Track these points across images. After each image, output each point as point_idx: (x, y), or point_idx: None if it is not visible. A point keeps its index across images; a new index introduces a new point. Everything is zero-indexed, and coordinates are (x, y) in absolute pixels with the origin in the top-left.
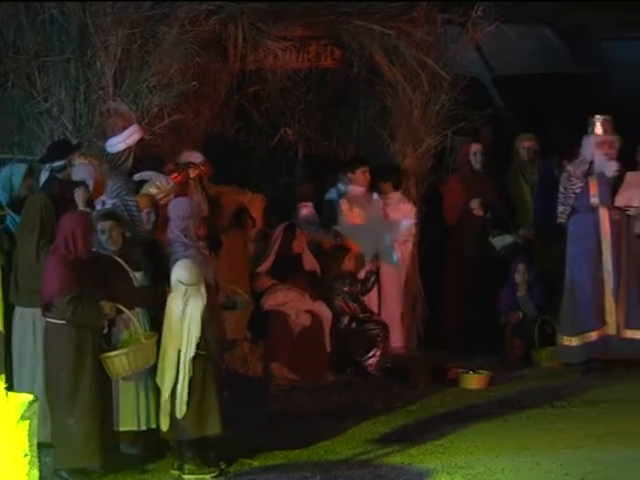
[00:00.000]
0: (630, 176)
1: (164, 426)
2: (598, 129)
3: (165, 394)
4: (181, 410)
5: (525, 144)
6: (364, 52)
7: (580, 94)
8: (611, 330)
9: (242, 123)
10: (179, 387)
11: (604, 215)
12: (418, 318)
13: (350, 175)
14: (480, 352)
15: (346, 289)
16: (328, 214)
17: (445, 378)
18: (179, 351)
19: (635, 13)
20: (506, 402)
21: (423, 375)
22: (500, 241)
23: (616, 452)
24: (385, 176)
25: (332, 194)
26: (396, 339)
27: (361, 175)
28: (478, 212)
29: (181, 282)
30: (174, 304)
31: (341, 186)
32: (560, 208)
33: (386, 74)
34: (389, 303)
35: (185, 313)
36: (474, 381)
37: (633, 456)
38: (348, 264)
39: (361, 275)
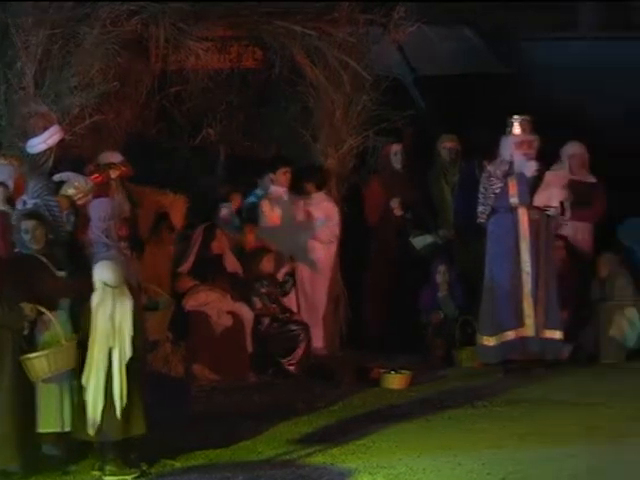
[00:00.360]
0: (549, 176)
1: (91, 429)
2: (517, 129)
3: (90, 395)
4: (118, 410)
5: (446, 145)
6: (286, 52)
7: (501, 94)
8: (529, 331)
9: (164, 123)
10: (116, 388)
11: (523, 215)
12: (340, 318)
13: (271, 176)
14: (402, 352)
15: (264, 290)
16: (249, 218)
17: (367, 378)
18: (109, 352)
19: (554, 13)
20: (428, 402)
21: (345, 375)
22: (420, 241)
23: (537, 451)
24: (308, 176)
25: (251, 198)
26: (318, 339)
27: (282, 176)
28: (398, 212)
29: (105, 283)
30: (99, 305)
31: (259, 191)
32: (480, 208)
33: (308, 75)
34: (311, 303)
35: (114, 314)
36: (396, 381)
37: (553, 455)
38: (267, 265)
39: (280, 276)
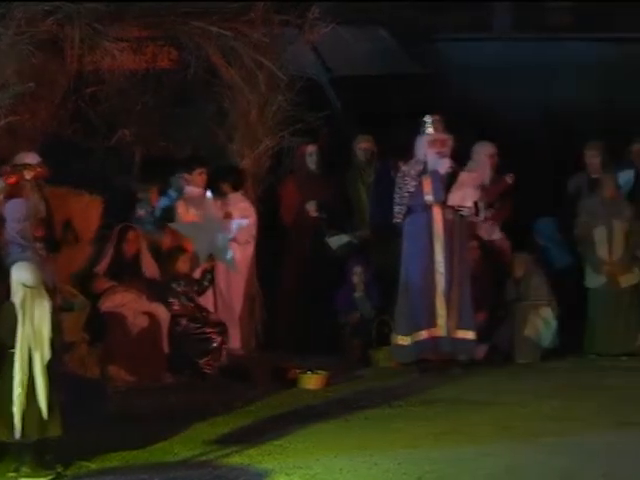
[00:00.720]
0: (463, 176)
1: (11, 431)
2: (430, 129)
3: (10, 396)
4: (44, 411)
5: (362, 145)
6: (201, 53)
7: (417, 95)
8: (441, 331)
9: (79, 124)
10: (38, 390)
11: (437, 215)
12: (257, 318)
13: (187, 176)
14: (318, 352)
15: (180, 290)
16: (164, 219)
17: (284, 378)
18: (29, 354)
19: (469, 14)
20: (344, 402)
21: (262, 376)
22: (337, 241)
23: (453, 450)
24: (224, 177)
25: (165, 201)
26: (234, 340)
27: (198, 176)
28: (313, 213)
29: (24, 284)
30: (19, 306)
31: (172, 193)
32: (396, 208)
33: (223, 75)
34: (227, 304)
35: (33, 315)
36: (312, 381)
37: (469, 454)
38: (183, 265)
39: (197, 275)
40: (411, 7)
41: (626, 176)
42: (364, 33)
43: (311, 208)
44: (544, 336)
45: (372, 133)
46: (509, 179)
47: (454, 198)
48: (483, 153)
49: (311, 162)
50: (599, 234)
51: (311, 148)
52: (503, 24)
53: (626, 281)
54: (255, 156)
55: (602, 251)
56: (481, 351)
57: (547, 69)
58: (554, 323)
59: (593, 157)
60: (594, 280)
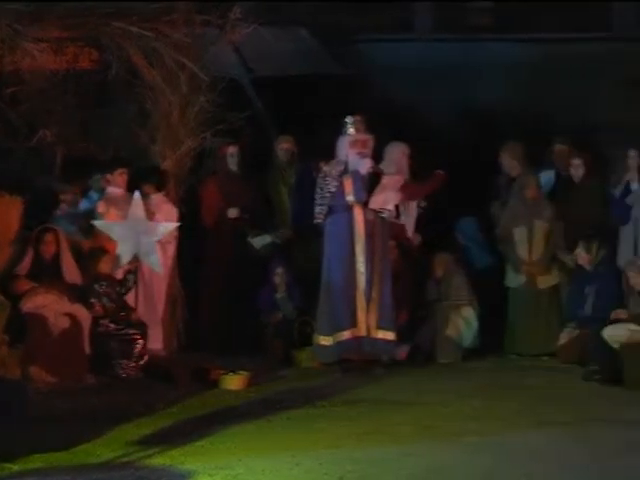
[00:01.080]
0: (385, 179)
1: None
2: (351, 129)
3: None
4: None
5: (283, 146)
6: (122, 53)
7: (339, 95)
8: (362, 331)
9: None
10: None
11: (359, 215)
12: (178, 319)
13: (108, 177)
14: (241, 353)
15: (102, 291)
16: (83, 224)
17: (206, 379)
18: None
19: (391, 15)
20: (267, 402)
21: (184, 376)
22: (259, 241)
23: (375, 450)
24: (146, 178)
25: (85, 202)
26: (156, 340)
27: (119, 177)
28: (233, 214)
29: None
30: None
31: (93, 193)
32: (317, 209)
33: (145, 76)
34: (149, 304)
35: None
36: (235, 382)
37: (391, 454)
38: (104, 266)
39: (119, 276)
40: (333, 8)
41: (547, 176)
42: (285, 34)
43: (233, 215)
44: (465, 336)
45: (293, 134)
46: (440, 175)
47: (376, 201)
48: (396, 153)
49: (232, 163)
50: (519, 234)
51: (232, 149)
52: (424, 25)
53: (545, 282)
54: (177, 157)
55: (522, 251)
56: (403, 351)
57: (468, 69)
58: (475, 323)
59: (509, 157)
60: (514, 280)
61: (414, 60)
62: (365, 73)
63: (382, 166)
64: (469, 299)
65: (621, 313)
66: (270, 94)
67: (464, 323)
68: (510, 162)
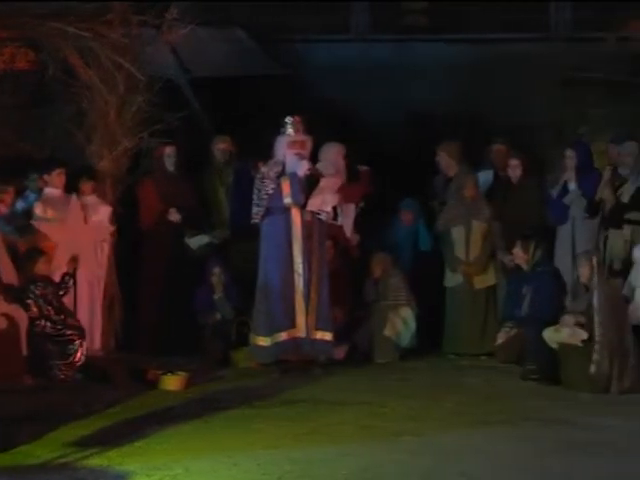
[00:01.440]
0: (323, 182)
1: None
2: (290, 130)
3: None
4: None
5: (220, 146)
6: (59, 54)
7: (276, 96)
8: (301, 332)
9: None
10: None
11: (296, 216)
12: (116, 319)
13: (46, 177)
14: (179, 353)
15: (39, 292)
16: (20, 224)
17: (144, 380)
18: None
19: (327, 15)
20: (205, 403)
21: (122, 377)
22: (197, 241)
23: (313, 451)
24: (82, 178)
25: (22, 203)
26: (94, 341)
27: (57, 177)
28: (174, 218)
29: None
30: None
31: (30, 194)
32: (254, 209)
33: (82, 76)
34: (87, 305)
35: None
36: (173, 382)
37: (329, 454)
38: (42, 267)
39: (56, 277)
40: (269, 8)
41: (485, 176)
42: (222, 34)
43: (173, 215)
44: (403, 336)
45: (231, 134)
46: (365, 171)
47: (314, 203)
48: (332, 153)
49: (169, 163)
50: (457, 234)
51: (169, 149)
52: (361, 25)
53: (481, 282)
54: (114, 157)
55: (460, 251)
56: (341, 351)
57: (405, 70)
58: (413, 323)
59: (447, 157)
60: (452, 280)
61: (351, 60)
62: (302, 73)
63: (319, 166)
64: (407, 299)
65: (569, 319)
66: (207, 94)
67: (402, 323)
68: (448, 161)
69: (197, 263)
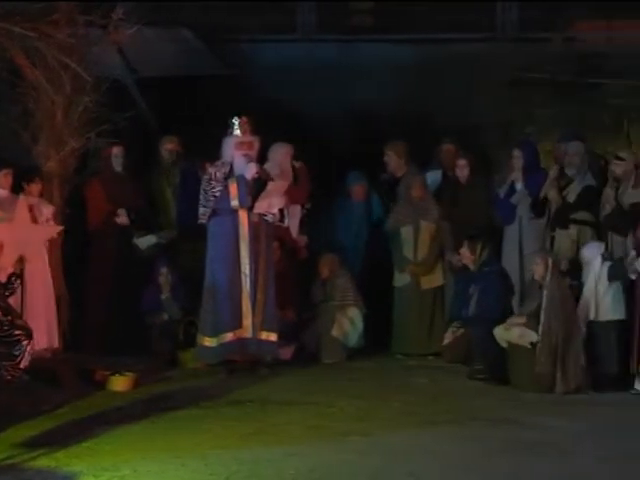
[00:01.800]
0: (271, 185)
1: None
2: (236, 130)
3: None
4: None
5: (167, 146)
6: (5, 54)
7: (223, 95)
8: (247, 332)
9: None
10: None
11: (243, 217)
12: (63, 320)
13: None
14: (127, 353)
15: None
16: None
17: (92, 380)
18: None
19: (273, 15)
20: (153, 403)
21: (69, 378)
22: (145, 242)
23: (260, 451)
24: (29, 178)
25: None
26: (41, 342)
27: (3, 178)
28: (122, 221)
29: None
30: None
31: None
32: (201, 210)
33: (28, 76)
34: (34, 305)
35: None
36: (120, 383)
37: (277, 455)
38: None
39: (2, 278)
40: (215, 8)
41: (433, 176)
42: (169, 34)
43: (122, 218)
44: (351, 336)
45: (178, 134)
46: (297, 165)
47: (261, 206)
48: (280, 154)
49: (117, 163)
50: (406, 234)
51: (117, 149)
52: (307, 25)
53: (429, 282)
54: (60, 157)
55: (408, 251)
56: (288, 351)
57: (351, 70)
58: (360, 323)
59: (395, 156)
60: (400, 279)
61: (297, 60)
62: (248, 73)
63: (266, 166)
64: (354, 299)
65: (517, 320)
66: (154, 94)
67: (349, 323)
68: (396, 161)
69: (145, 263)
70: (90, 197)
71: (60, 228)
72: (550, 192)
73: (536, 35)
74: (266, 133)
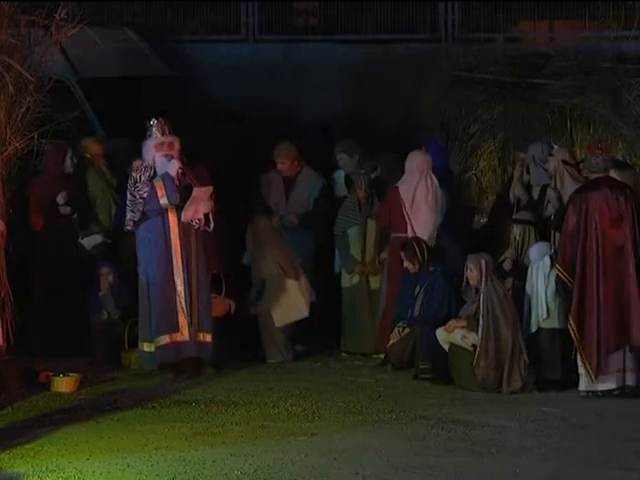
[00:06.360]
0: (196, 191)
1: None
2: (156, 132)
3: None
4: None
5: (91, 149)
6: None
7: (166, 96)
8: (183, 334)
9: None
10: None
11: (172, 218)
12: (7, 320)
13: None
14: (70, 354)
15: None
16: None
17: (36, 381)
18: None
19: (217, 15)
20: (97, 404)
21: (13, 379)
22: (90, 241)
23: (206, 451)
24: None
25: None
26: None
27: None
28: (65, 210)
29: None
30: None
31: None
32: (128, 215)
33: None
34: None
35: None
36: (64, 384)
37: (222, 455)
38: None
39: None
40: (159, 8)
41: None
42: (112, 34)
43: (61, 202)
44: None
45: (122, 134)
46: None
47: (187, 214)
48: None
49: (70, 165)
50: (353, 234)
51: (60, 149)
52: (251, 26)
53: (377, 282)
54: (3, 158)
55: (356, 251)
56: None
57: (295, 70)
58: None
59: (344, 156)
60: (347, 279)
61: (241, 61)
62: (192, 74)
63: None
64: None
65: (454, 324)
66: (98, 95)
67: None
68: (347, 161)
69: (91, 263)
70: (33, 197)
71: (2, 227)
72: (516, 189)
73: (479, 35)
74: (207, 134)
